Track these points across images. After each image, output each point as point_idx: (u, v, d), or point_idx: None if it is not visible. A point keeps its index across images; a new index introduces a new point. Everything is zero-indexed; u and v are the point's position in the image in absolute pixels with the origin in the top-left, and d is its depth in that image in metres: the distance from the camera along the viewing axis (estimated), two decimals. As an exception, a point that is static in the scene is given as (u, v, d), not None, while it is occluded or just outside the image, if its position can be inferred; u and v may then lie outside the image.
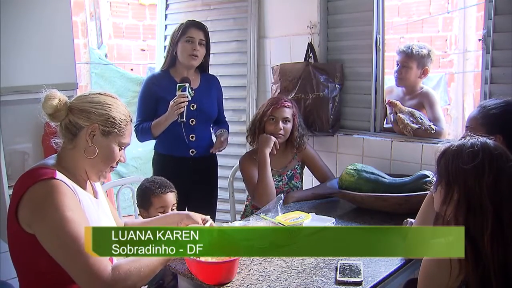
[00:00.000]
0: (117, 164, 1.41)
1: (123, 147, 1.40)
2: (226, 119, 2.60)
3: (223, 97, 2.61)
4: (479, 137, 1.27)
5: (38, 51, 2.22)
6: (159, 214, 1.89)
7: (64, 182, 1.25)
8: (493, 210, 1.18)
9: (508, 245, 1.17)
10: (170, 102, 2.20)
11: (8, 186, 2.13)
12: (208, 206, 2.48)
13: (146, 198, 1.92)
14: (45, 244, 1.20)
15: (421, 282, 1.28)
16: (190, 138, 2.35)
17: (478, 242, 1.18)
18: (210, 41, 2.46)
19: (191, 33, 2.33)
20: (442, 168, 1.28)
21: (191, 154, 2.38)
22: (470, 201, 1.21)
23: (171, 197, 1.95)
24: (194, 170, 2.40)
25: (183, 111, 2.20)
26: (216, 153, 2.56)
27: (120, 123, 1.36)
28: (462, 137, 1.58)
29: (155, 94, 2.35)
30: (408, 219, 1.69)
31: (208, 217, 1.59)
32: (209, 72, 2.53)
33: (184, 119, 2.21)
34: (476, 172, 1.21)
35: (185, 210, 2.36)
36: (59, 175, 1.26)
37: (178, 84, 2.23)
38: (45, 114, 1.31)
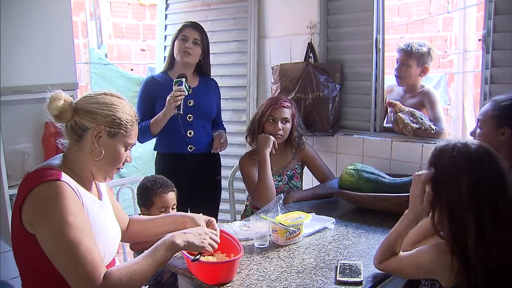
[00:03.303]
0: (123, 164, 1.40)
1: (129, 148, 1.39)
2: (223, 122, 2.61)
3: (223, 97, 2.62)
4: (461, 140, 1.27)
5: (38, 51, 2.22)
6: (161, 213, 1.90)
7: (69, 184, 1.25)
8: (474, 216, 1.17)
9: (491, 251, 1.16)
10: (167, 97, 2.22)
11: (8, 186, 2.13)
12: (210, 204, 2.49)
13: (148, 197, 1.93)
14: (44, 246, 1.20)
15: (412, 271, 1.31)
16: (188, 134, 2.36)
17: (464, 248, 1.18)
18: (209, 41, 2.46)
19: (185, 32, 2.38)
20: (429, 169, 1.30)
21: (190, 150, 2.38)
22: (451, 207, 1.22)
23: (172, 197, 1.96)
24: (194, 167, 2.41)
25: (180, 104, 2.22)
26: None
27: (127, 123, 1.35)
28: (471, 132, 1.62)
29: (153, 94, 2.38)
30: None
31: (213, 219, 1.58)
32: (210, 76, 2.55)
33: (181, 112, 2.23)
34: (454, 178, 1.21)
35: (187, 208, 2.38)
36: (64, 177, 1.26)
37: (174, 80, 2.27)
38: (51, 115, 1.30)
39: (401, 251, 1.38)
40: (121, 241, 1.65)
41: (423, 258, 1.28)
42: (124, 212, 1.66)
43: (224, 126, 2.61)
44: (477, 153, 1.22)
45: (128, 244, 1.90)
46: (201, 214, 1.68)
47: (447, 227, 1.23)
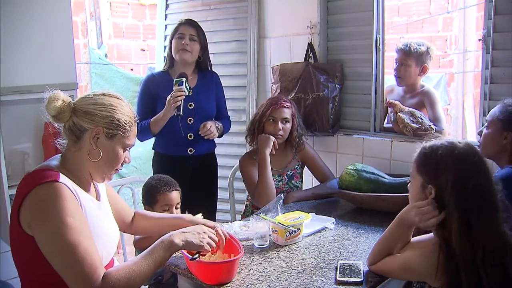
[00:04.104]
0: (122, 165, 1.39)
1: (127, 149, 1.39)
2: (228, 116, 2.58)
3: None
4: (448, 138, 1.31)
5: (38, 51, 2.22)
6: (164, 211, 1.91)
7: (67, 186, 1.25)
8: (460, 212, 1.20)
9: (476, 247, 1.18)
10: (168, 97, 2.22)
11: (8, 186, 2.13)
12: (209, 205, 2.48)
13: (152, 195, 1.94)
14: (42, 248, 1.20)
15: (403, 274, 1.33)
16: (188, 137, 2.36)
17: (450, 242, 1.20)
18: (209, 41, 2.46)
19: (181, 29, 2.37)
20: (417, 168, 1.33)
21: (190, 152, 2.38)
22: (438, 200, 1.24)
23: (176, 196, 1.97)
24: (194, 169, 2.40)
25: (180, 105, 2.21)
26: (216, 153, 2.56)
27: (125, 125, 1.34)
28: (479, 132, 1.68)
29: (153, 93, 2.37)
30: None
31: (217, 226, 1.55)
32: (212, 69, 2.53)
33: (181, 113, 2.22)
34: (441, 173, 1.24)
35: (185, 209, 2.38)
36: (62, 178, 1.26)
37: (175, 79, 2.25)
38: (49, 115, 1.30)
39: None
40: (126, 233, 1.66)
41: (411, 261, 1.30)
42: (127, 205, 1.66)
43: (230, 120, 2.58)
44: (463, 149, 1.25)
45: (130, 243, 1.90)
46: (199, 214, 1.68)
47: (435, 226, 1.26)
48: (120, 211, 1.58)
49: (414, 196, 1.34)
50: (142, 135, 2.34)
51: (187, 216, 1.68)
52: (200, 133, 2.35)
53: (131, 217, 1.64)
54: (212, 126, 2.35)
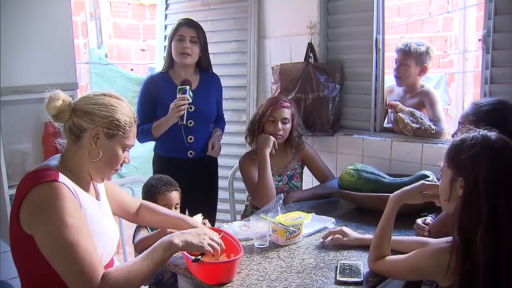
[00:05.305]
0: (121, 166, 1.40)
1: (127, 149, 1.39)
2: (223, 116, 2.60)
3: (224, 97, 2.61)
4: (481, 130, 1.24)
5: (38, 51, 2.22)
6: None
7: (66, 185, 1.25)
8: (489, 206, 1.15)
9: (501, 243, 1.14)
10: (171, 105, 2.21)
11: (8, 186, 2.13)
12: (208, 207, 2.48)
13: (151, 195, 1.95)
14: (42, 247, 1.20)
15: (409, 275, 1.33)
16: (189, 140, 2.35)
17: (471, 238, 1.16)
18: (209, 41, 2.45)
19: (181, 31, 2.34)
20: (447, 161, 1.27)
21: (190, 156, 2.38)
22: (465, 197, 1.20)
23: (176, 196, 1.97)
24: (194, 172, 2.40)
25: (184, 114, 2.20)
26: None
27: (125, 125, 1.34)
28: (453, 134, 1.64)
29: (153, 96, 2.36)
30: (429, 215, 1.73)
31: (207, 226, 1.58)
32: (212, 71, 2.53)
33: (184, 122, 2.22)
34: (472, 165, 1.18)
35: (185, 209, 2.39)
36: (62, 178, 1.26)
37: (178, 87, 2.24)
38: (49, 115, 1.30)
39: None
40: (132, 222, 1.70)
41: (420, 262, 1.28)
42: (130, 196, 1.68)
43: (224, 120, 2.61)
44: (497, 143, 1.20)
45: (130, 243, 1.91)
46: (199, 215, 1.69)
47: (456, 218, 1.20)
48: (124, 204, 1.61)
49: (444, 190, 1.28)
50: (143, 138, 2.34)
51: (189, 218, 1.69)
52: (207, 153, 2.40)
53: (136, 208, 1.67)
54: (218, 148, 2.43)
